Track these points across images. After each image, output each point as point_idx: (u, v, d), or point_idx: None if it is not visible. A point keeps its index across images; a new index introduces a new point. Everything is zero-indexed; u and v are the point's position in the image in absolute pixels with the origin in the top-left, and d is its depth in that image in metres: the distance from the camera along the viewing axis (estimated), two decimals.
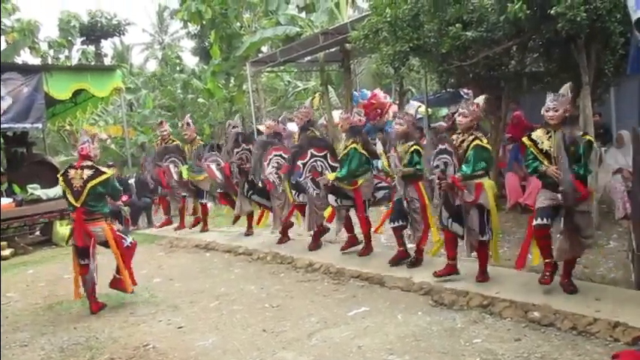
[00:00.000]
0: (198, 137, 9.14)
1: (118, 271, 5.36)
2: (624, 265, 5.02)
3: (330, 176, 6.04)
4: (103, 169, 5.36)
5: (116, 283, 5.42)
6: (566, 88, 4.45)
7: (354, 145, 5.93)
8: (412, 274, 5.24)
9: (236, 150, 7.37)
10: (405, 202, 5.46)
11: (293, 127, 9.44)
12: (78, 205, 5.18)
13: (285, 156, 6.74)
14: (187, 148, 8.66)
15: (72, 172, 5.23)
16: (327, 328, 4.34)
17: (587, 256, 5.34)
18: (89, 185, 5.15)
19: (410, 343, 3.91)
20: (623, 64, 6.06)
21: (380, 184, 6.20)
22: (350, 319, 4.51)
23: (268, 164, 6.80)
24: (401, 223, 5.53)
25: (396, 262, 5.61)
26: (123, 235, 5.45)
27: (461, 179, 4.65)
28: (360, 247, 6.25)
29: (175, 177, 8.41)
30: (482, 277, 4.90)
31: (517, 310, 4.16)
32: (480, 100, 5.00)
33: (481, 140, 4.75)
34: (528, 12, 5.17)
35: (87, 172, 5.19)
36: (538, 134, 4.50)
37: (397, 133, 5.53)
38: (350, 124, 6.15)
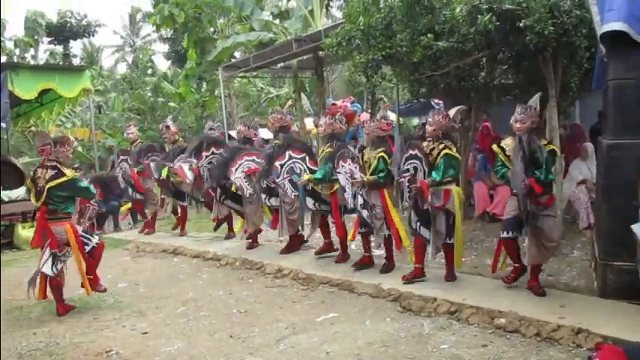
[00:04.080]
0: (180, 139, 8.97)
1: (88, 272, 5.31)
2: (587, 274, 5.14)
3: (306, 177, 5.90)
4: (66, 170, 5.18)
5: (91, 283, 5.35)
6: (535, 99, 4.61)
7: (329, 149, 5.88)
8: (381, 280, 5.25)
9: (205, 154, 7.29)
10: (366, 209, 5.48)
11: (265, 133, 9.40)
12: (38, 204, 5.14)
13: (258, 160, 6.67)
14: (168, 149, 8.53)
15: (39, 171, 5.19)
16: (296, 334, 4.31)
17: (552, 265, 5.46)
18: (47, 186, 5.06)
19: (378, 349, 3.91)
20: (587, 78, 6.24)
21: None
22: (319, 324, 4.49)
23: (237, 169, 6.70)
24: (365, 229, 5.60)
25: (359, 266, 5.69)
26: (86, 238, 5.28)
27: (430, 184, 4.83)
28: (335, 253, 6.24)
29: (156, 176, 8.20)
30: (450, 276, 5.08)
31: (483, 316, 4.21)
32: (453, 111, 5.09)
33: (450, 149, 4.92)
34: (498, 23, 5.28)
35: (50, 173, 5.11)
36: (507, 142, 4.70)
37: (370, 139, 5.56)
38: (332, 130, 5.98)
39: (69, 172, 5.17)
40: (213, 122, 8.51)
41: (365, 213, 5.48)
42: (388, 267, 5.56)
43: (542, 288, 4.56)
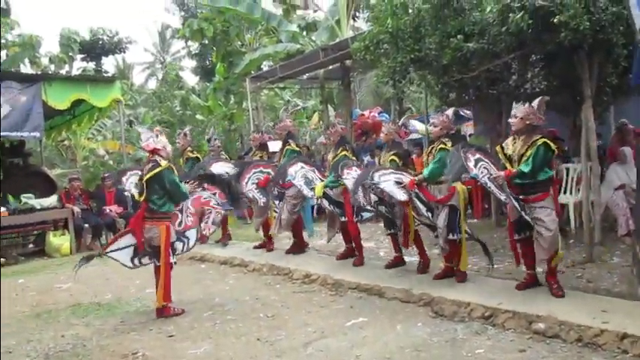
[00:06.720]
0: (189, 149, 8.74)
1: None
2: (629, 280, 4.89)
3: (319, 189, 6.13)
4: (162, 161, 4.95)
5: (160, 312, 5.08)
6: (538, 100, 4.56)
7: (343, 152, 6.15)
8: (412, 285, 5.10)
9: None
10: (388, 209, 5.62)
11: (273, 146, 9.23)
12: (141, 199, 4.99)
13: (265, 170, 6.88)
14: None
15: (145, 168, 5.06)
16: (324, 338, 4.19)
17: (591, 270, 5.25)
18: (145, 178, 4.91)
19: (410, 353, 3.77)
20: (624, 79, 6.03)
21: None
22: (347, 329, 4.36)
23: (247, 182, 6.82)
24: (393, 230, 5.70)
25: (392, 265, 5.77)
26: (174, 250, 5.09)
27: (422, 181, 5.10)
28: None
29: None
30: (461, 277, 5.08)
31: (520, 320, 4.03)
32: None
33: (445, 144, 5.02)
34: (530, 22, 5.13)
35: (148, 166, 4.98)
36: (507, 141, 4.73)
37: (386, 141, 5.81)
38: (339, 135, 6.34)
39: (164, 163, 4.96)
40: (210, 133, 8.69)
41: (383, 209, 5.63)
42: (424, 263, 5.59)
43: (562, 289, 4.44)
